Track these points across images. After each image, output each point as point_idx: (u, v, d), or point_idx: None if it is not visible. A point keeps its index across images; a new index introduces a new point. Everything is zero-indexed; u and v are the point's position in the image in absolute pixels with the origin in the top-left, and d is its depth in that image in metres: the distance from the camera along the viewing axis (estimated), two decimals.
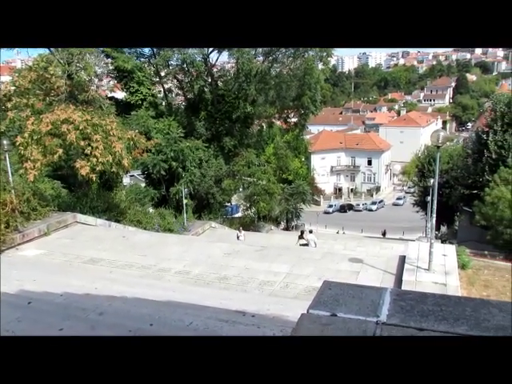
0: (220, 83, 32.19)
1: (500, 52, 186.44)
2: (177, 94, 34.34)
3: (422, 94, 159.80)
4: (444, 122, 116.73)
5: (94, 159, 13.46)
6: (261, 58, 29.97)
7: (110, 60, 27.47)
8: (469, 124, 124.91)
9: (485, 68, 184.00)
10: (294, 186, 40.64)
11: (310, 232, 18.47)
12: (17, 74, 19.07)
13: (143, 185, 28.66)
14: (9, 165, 11.75)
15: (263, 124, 35.37)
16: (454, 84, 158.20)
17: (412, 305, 2.17)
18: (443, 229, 40.23)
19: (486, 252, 14.87)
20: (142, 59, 30.83)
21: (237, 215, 37.95)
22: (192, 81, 30.33)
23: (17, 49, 22.07)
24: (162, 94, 32.97)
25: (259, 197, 30.85)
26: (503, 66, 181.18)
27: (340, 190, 79.06)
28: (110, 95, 27.68)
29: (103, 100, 22.33)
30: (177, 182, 26.51)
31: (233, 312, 5.52)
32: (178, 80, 32.17)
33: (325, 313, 2.16)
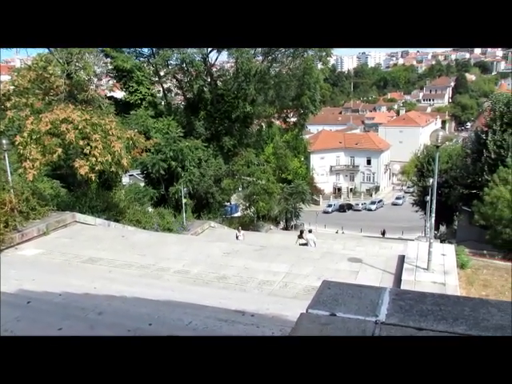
0: (219, 83, 32.18)
1: (499, 52, 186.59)
2: (176, 94, 34.31)
3: (421, 94, 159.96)
4: (443, 122, 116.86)
5: (93, 159, 13.45)
6: (260, 58, 29.97)
7: (109, 59, 27.43)
8: (468, 124, 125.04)
9: (484, 68, 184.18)
10: (293, 185, 40.68)
11: (310, 231, 18.48)
12: (16, 74, 19.06)
13: (142, 184, 28.64)
14: (8, 164, 11.74)
15: (262, 124, 35.37)
16: (453, 84, 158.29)
17: (411, 304, 2.17)
18: (442, 228, 40.27)
19: (484, 252, 14.89)
20: (142, 59, 30.81)
21: (236, 215, 37.97)
22: (191, 80, 30.32)
23: (16, 48, 22.05)
24: (161, 94, 32.94)
25: (258, 196, 30.87)
26: (502, 66, 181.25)
27: (339, 189, 79.08)
28: (109, 95, 27.64)
29: (102, 99, 22.33)
30: (176, 182, 26.50)
31: (232, 311, 5.52)
32: (177, 79, 32.16)
33: (324, 312, 2.16)
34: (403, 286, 8.38)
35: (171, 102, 33.49)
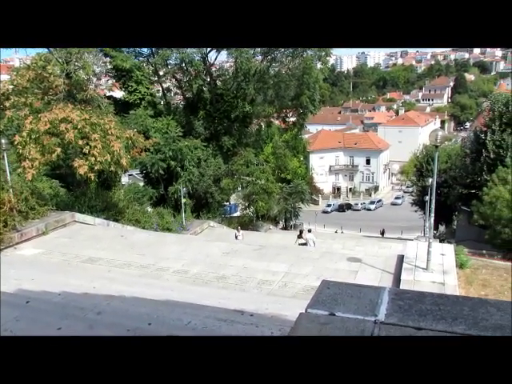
0: (219, 82, 32.16)
1: (498, 52, 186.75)
2: (175, 94, 34.27)
3: (420, 94, 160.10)
4: (442, 122, 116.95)
5: (93, 158, 13.44)
6: (259, 58, 29.95)
7: (108, 59, 27.39)
8: (467, 123, 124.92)
9: (483, 68, 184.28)
10: (292, 185, 40.65)
11: (309, 231, 18.48)
12: (15, 73, 19.03)
13: (142, 184, 28.64)
14: (7, 164, 11.73)
15: (262, 123, 35.34)
16: (452, 84, 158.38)
17: (410, 304, 2.17)
18: (441, 228, 40.30)
19: (484, 251, 14.90)
20: (141, 58, 30.74)
21: (235, 214, 37.96)
22: (191, 80, 30.28)
23: (15, 48, 22.02)
24: (160, 93, 32.90)
25: (258, 196, 30.85)
26: (501, 66, 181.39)
27: (338, 189, 79.13)
28: (108, 94, 27.60)
29: (101, 99, 22.29)
30: (175, 182, 26.50)
31: (231, 311, 5.52)
32: (176, 79, 32.14)
33: (323, 312, 2.16)
34: (402, 286, 8.38)
35: (170, 101, 33.46)
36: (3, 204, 10.92)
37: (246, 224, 30.41)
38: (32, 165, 13.05)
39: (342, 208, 66.71)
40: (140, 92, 27.70)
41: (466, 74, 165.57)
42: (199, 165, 27.67)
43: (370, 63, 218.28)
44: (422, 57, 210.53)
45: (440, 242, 23.89)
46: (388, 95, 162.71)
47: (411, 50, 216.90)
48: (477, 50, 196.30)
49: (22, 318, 5.03)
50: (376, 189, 78.28)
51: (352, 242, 19.50)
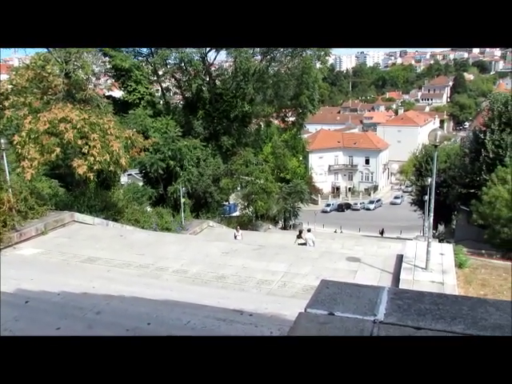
0: (218, 82, 32.16)
1: (497, 51, 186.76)
2: (175, 93, 34.28)
3: (419, 93, 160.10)
4: (441, 121, 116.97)
5: (92, 158, 13.43)
6: (259, 57, 29.96)
7: (107, 59, 27.38)
8: (466, 123, 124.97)
9: (482, 67, 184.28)
10: (291, 185, 40.65)
11: (308, 231, 18.49)
12: (14, 73, 19.00)
13: (141, 184, 28.64)
14: (6, 163, 11.72)
15: (261, 123, 35.36)
16: (451, 83, 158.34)
17: (409, 304, 2.18)
18: (441, 228, 40.35)
19: (483, 251, 14.92)
20: (140, 58, 30.74)
21: (234, 214, 37.97)
22: (190, 80, 30.28)
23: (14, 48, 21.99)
24: (159, 93, 32.91)
25: (257, 196, 30.87)
26: (501, 66, 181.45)
27: (338, 188, 79.14)
28: (107, 94, 27.55)
29: (101, 99, 22.25)
30: (174, 181, 26.50)
31: (230, 311, 5.52)
32: (175, 79, 32.13)
33: (322, 312, 2.16)
34: (401, 286, 8.39)
35: (170, 101, 33.46)
36: (2, 204, 10.91)
37: (245, 224, 30.41)
38: (31, 164, 13.03)
39: (342, 208, 66.74)
40: (139, 92, 27.70)
41: (465, 74, 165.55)
42: (198, 164, 27.66)
43: (370, 63, 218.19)
44: (421, 56, 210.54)
45: (439, 241, 23.91)
46: (387, 95, 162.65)
47: (410, 50, 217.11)
48: (476, 50, 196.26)
49: (21, 317, 5.02)
50: (375, 188, 78.32)
51: (351, 242, 19.52)
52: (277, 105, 32.36)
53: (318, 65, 30.90)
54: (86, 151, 13.53)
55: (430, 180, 24.11)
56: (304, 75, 28.77)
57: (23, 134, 13.29)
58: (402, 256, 10.20)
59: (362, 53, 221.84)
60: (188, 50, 27.07)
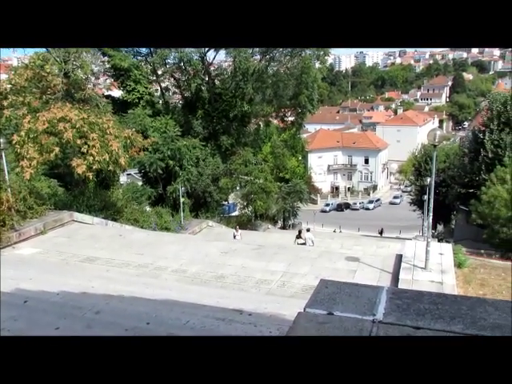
0: (217, 82, 32.16)
1: (496, 51, 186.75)
2: (174, 93, 34.28)
3: (418, 93, 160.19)
4: (441, 121, 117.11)
5: (91, 158, 13.41)
6: (258, 57, 29.97)
7: (106, 58, 27.37)
8: (465, 123, 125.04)
9: (481, 67, 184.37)
10: (291, 184, 40.62)
11: (308, 230, 18.49)
12: (13, 72, 18.97)
13: (140, 183, 28.61)
14: (5, 163, 11.70)
15: (260, 123, 35.37)
16: (450, 83, 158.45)
17: (408, 303, 2.18)
18: (440, 227, 40.35)
19: (482, 251, 14.90)
20: (139, 57, 30.73)
21: (234, 214, 37.94)
22: (189, 79, 30.27)
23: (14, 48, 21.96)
24: (158, 93, 32.89)
25: (256, 195, 30.87)
26: (500, 65, 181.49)
27: (337, 188, 79.17)
28: (106, 93, 27.57)
29: (100, 98, 22.26)
30: (174, 181, 26.50)
31: (230, 310, 5.52)
32: (175, 78, 32.12)
33: (321, 311, 2.16)
34: (401, 285, 8.39)
35: (169, 100, 33.45)
36: (1, 203, 10.89)
37: (244, 223, 30.39)
38: (30, 164, 13.01)
39: (341, 207, 66.77)
40: (138, 91, 27.68)
41: (465, 74, 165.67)
42: (198, 164, 27.66)
43: (369, 62, 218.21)
44: (420, 56, 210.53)
45: (438, 241, 23.92)
46: (386, 94, 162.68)
47: (410, 50, 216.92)
48: (475, 50, 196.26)
49: (20, 317, 5.02)
50: (374, 188, 78.36)
51: (350, 242, 19.50)
52: (276, 104, 32.37)
53: (318, 64, 30.92)
54: (85, 151, 13.52)
55: (429, 180, 24.15)
56: (303, 75, 28.78)
57: (22, 133, 13.27)
58: (401, 256, 10.21)
59: (362, 52, 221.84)
60: (187, 49, 27.07)
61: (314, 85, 30.22)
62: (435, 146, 9.33)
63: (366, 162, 79.16)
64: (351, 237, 30.90)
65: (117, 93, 30.06)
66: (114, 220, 15.35)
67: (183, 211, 23.82)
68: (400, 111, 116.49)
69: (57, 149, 13.50)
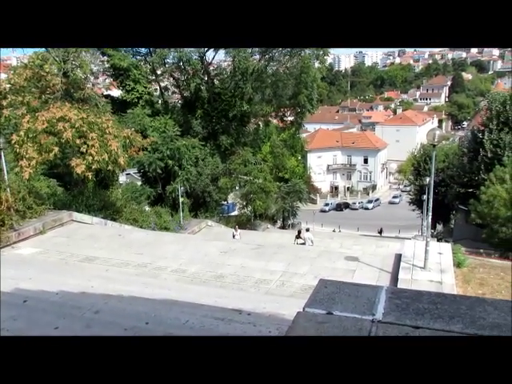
0: (216, 81, 32.14)
1: (496, 51, 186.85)
2: (173, 92, 34.25)
3: (418, 93, 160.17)
4: (440, 121, 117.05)
5: (90, 157, 13.40)
6: (257, 57, 29.95)
7: (105, 58, 27.35)
8: (464, 123, 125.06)
9: (480, 67, 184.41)
10: (290, 184, 40.62)
11: (307, 230, 18.50)
12: (12, 72, 18.95)
13: (139, 183, 28.60)
14: (4, 163, 11.69)
15: (260, 122, 35.37)
16: (449, 83, 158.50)
17: (407, 303, 2.18)
18: (439, 227, 40.38)
19: (481, 250, 14.92)
20: (138, 57, 30.69)
21: (233, 214, 37.94)
22: (188, 79, 30.26)
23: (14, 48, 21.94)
24: (158, 92, 32.86)
25: (255, 195, 30.86)
26: (499, 65, 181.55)
27: (336, 188, 79.21)
28: (105, 93, 27.55)
29: (99, 98, 22.24)
30: (173, 181, 26.48)
31: (229, 310, 5.52)
32: (174, 78, 32.10)
33: (321, 311, 2.16)
34: (400, 285, 8.40)
35: (168, 100, 33.42)
36: (0, 203, 10.89)
37: (243, 223, 30.38)
38: (29, 164, 13.00)
39: (340, 207, 66.82)
40: (137, 91, 27.66)
41: (464, 73, 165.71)
42: (197, 164, 27.64)
43: (368, 62, 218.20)
44: (419, 56, 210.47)
45: (437, 240, 23.96)
46: (386, 94, 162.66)
47: (409, 50, 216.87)
48: (474, 49, 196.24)
49: (20, 317, 5.02)
50: (374, 188, 78.39)
51: (350, 241, 19.51)
52: (275, 104, 32.37)
53: (317, 64, 30.92)
54: (85, 150, 13.50)
55: (428, 179, 24.15)
56: (303, 74, 28.78)
57: (21, 133, 13.26)
58: (400, 255, 10.22)
59: (361, 52, 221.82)
60: (186, 49, 27.04)
61: (314, 84, 30.22)
62: (434, 145, 9.34)
63: (366, 161, 79.20)
64: (350, 236, 30.93)
65: (116, 92, 30.04)
66: (114, 220, 15.35)
67: (182, 211, 23.81)
68: (399, 111, 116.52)
69: (56, 148, 13.49)
